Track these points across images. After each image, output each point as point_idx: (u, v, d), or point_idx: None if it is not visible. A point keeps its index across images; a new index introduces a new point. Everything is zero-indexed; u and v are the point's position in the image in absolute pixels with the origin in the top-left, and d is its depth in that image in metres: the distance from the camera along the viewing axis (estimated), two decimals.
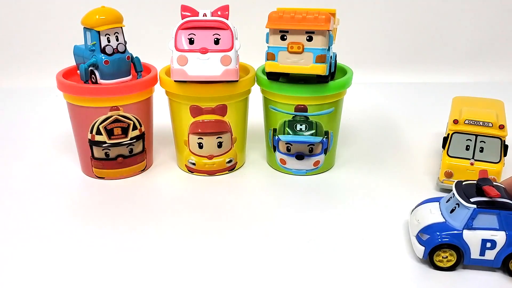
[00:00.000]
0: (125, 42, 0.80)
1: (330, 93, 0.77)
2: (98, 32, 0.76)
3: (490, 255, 0.60)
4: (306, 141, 0.79)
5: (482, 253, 0.60)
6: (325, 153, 0.82)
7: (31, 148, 0.93)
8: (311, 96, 0.77)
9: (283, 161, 0.83)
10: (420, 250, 0.61)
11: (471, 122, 0.75)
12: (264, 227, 0.69)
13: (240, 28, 0.80)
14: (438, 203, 0.65)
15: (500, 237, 0.59)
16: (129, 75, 0.81)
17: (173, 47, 0.74)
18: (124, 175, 0.82)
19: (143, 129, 0.81)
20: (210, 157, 0.82)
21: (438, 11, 1.34)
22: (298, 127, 0.79)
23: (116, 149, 0.80)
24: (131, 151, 0.81)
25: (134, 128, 0.80)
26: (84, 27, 0.78)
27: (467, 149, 0.75)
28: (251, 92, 0.83)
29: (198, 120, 0.79)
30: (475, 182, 0.62)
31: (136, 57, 0.82)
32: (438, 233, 0.60)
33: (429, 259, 0.61)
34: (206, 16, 0.75)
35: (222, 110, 0.79)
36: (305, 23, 0.72)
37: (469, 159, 0.75)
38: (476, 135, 0.74)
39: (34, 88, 1.26)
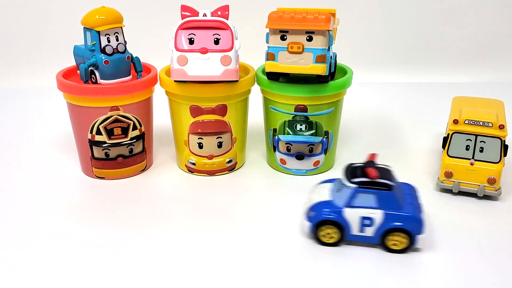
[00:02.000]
0: (125, 42, 0.80)
1: (330, 93, 0.78)
2: (98, 32, 0.76)
3: (369, 231, 0.64)
4: (306, 141, 0.79)
5: (361, 229, 0.64)
6: (325, 153, 0.82)
7: (31, 148, 0.93)
8: (311, 96, 0.77)
9: (283, 161, 0.83)
10: (306, 226, 0.66)
11: (471, 122, 0.75)
12: (264, 227, 0.69)
13: (240, 28, 0.80)
14: (332, 183, 0.69)
15: (377, 215, 0.63)
16: (129, 75, 0.81)
17: (173, 47, 0.74)
18: (124, 175, 0.82)
19: (143, 129, 0.81)
20: (210, 157, 0.82)
21: (438, 11, 1.34)
22: (298, 127, 0.79)
23: (116, 149, 0.80)
24: (131, 151, 0.81)
25: (134, 128, 0.80)
26: (84, 27, 0.78)
27: (467, 149, 0.75)
28: (251, 92, 0.83)
29: (198, 120, 0.79)
30: (362, 164, 0.66)
31: (136, 57, 0.82)
32: (322, 210, 0.65)
33: (315, 234, 0.65)
34: (206, 16, 0.75)
35: (222, 110, 0.79)
36: (305, 23, 0.72)
37: (469, 159, 0.75)
38: (476, 135, 0.74)
39: (34, 88, 1.26)
